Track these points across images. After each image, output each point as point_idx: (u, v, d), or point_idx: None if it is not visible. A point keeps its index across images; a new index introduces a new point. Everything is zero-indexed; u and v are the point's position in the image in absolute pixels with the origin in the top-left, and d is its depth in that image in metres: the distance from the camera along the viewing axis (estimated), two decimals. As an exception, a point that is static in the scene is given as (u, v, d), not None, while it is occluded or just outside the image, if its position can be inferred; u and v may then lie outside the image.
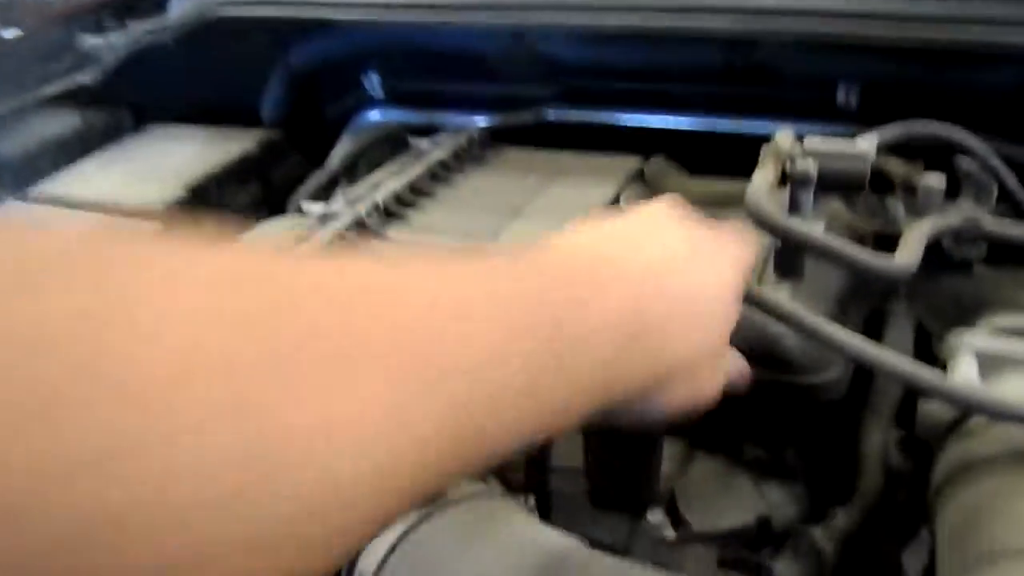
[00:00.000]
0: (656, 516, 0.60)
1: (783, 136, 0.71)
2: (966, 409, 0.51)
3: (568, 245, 0.40)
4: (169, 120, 1.24)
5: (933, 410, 0.56)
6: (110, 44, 1.17)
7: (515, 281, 0.30)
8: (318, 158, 1.17)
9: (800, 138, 0.68)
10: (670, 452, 0.65)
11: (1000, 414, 0.47)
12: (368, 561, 0.46)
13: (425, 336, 0.23)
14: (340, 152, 1.14)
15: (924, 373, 0.48)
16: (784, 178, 0.66)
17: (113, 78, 1.18)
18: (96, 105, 1.23)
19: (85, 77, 1.18)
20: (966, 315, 0.67)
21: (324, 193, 1.09)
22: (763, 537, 0.61)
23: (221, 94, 1.26)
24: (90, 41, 1.19)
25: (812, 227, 0.63)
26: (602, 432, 0.57)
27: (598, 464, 0.63)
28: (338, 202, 0.89)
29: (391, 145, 1.15)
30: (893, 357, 0.50)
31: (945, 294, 0.67)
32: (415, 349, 0.23)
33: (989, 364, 0.58)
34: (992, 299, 0.66)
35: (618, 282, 0.36)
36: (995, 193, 0.68)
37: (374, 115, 1.22)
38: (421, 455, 0.22)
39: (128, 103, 1.26)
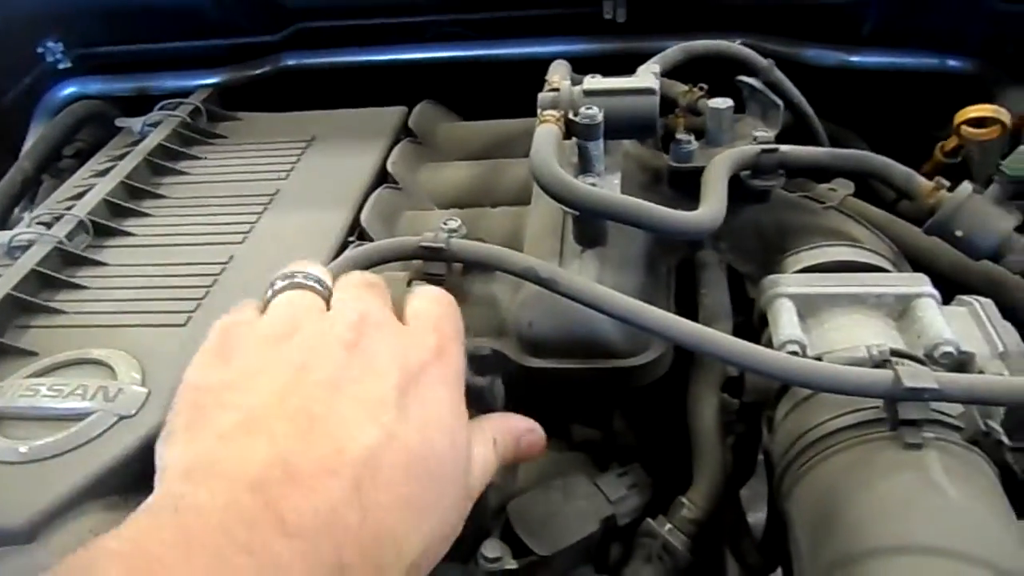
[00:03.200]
0: (492, 549, 0.52)
1: (558, 76, 0.61)
2: (791, 383, 0.47)
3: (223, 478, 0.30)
4: None
5: (759, 378, 0.52)
6: None
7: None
8: (7, 154, 0.93)
9: (576, 81, 0.59)
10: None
11: (827, 386, 0.43)
12: None
13: None
14: (33, 145, 0.90)
15: (749, 351, 0.43)
16: (568, 130, 0.57)
17: None
18: None
19: None
20: (770, 248, 0.63)
21: (19, 203, 0.86)
22: (610, 536, 0.56)
23: None
24: None
25: (608, 186, 0.55)
26: None
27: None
28: (27, 223, 0.69)
29: (98, 126, 0.93)
30: (712, 337, 0.44)
31: (747, 228, 0.63)
32: None
33: (806, 307, 0.54)
34: (792, 226, 0.63)
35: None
36: (781, 109, 0.64)
37: (68, 89, 0.98)
38: None
39: None
